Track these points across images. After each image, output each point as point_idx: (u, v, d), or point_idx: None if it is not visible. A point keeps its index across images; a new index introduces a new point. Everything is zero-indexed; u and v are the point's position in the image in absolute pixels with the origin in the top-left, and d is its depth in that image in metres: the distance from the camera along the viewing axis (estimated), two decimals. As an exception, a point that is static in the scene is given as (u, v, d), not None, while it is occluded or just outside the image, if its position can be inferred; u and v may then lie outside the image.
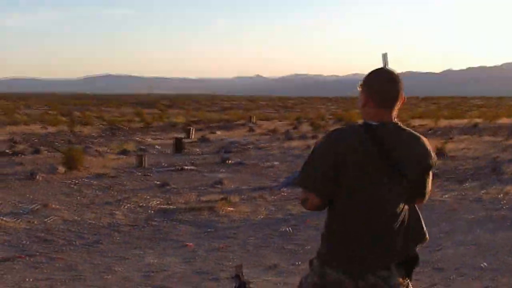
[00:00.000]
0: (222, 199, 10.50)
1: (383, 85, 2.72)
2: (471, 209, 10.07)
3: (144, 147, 22.19)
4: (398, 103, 2.73)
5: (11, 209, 10.11)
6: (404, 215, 2.70)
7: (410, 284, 2.77)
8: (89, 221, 9.09)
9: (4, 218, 9.08)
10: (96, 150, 20.98)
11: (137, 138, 27.46)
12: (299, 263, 6.78)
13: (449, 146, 20.72)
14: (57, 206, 10.21)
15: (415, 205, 2.79)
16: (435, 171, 13.94)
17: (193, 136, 27.89)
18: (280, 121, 43.99)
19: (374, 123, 2.68)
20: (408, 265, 2.75)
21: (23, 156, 19.16)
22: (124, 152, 20.36)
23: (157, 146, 23.21)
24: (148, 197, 11.19)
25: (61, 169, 15.28)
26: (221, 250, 7.48)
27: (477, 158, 17.94)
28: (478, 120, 42.59)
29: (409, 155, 2.63)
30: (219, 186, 12.62)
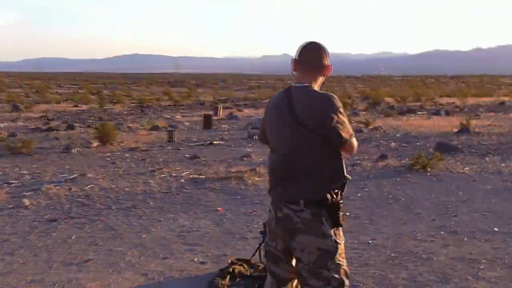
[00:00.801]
0: (249, 170, 10.97)
1: (302, 54, 3.34)
2: (489, 180, 10.41)
3: (173, 124, 22.77)
4: (317, 69, 3.34)
5: (51, 178, 10.74)
6: (315, 159, 3.20)
7: (334, 229, 3.21)
8: (125, 189, 9.65)
9: (46, 185, 9.72)
10: (128, 126, 21.63)
11: (166, 116, 28.07)
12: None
13: (475, 122, 20.94)
14: (94, 176, 10.81)
15: (340, 154, 3.27)
16: (458, 146, 14.32)
17: (221, 114, 28.43)
18: (307, 99, 44.28)
19: (295, 85, 3.32)
20: (330, 208, 3.21)
21: (57, 132, 19.88)
22: (155, 128, 20.97)
23: (186, 123, 23.77)
24: (179, 168, 11.73)
25: (95, 143, 15.93)
26: (249, 215, 7.96)
27: (501, 134, 18.15)
28: (505, 98, 42.45)
29: (309, 110, 3.18)
30: (246, 159, 13.10)
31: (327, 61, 3.35)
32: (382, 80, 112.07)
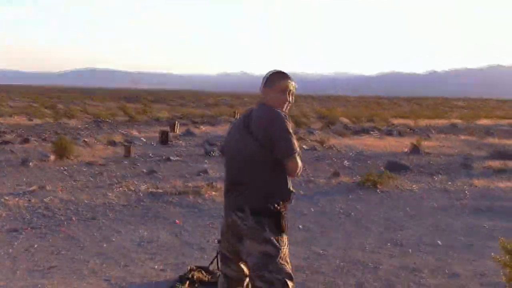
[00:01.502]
0: (206, 185, 11.26)
1: (266, 78, 3.81)
2: (436, 198, 10.94)
3: (130, 139, 22.85)
4: (268, 90, 3.75)
5: (10, 190, 10.82)
6: (263, 171, 3.57)
7: (276, 236, 3.56)
8: (84, 201, 9.83)
9: (6, 197, 9.83)
10: (84, 141, 21.63)
11: (122, 131, 28.09)
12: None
13: (426, 143, 21.64)
14: (53, 188, 10.94)
15: (285, 173, 3.62)
16: (408, 165, 14.87)
17: (177, 130, 28.57)
18: (264, 117, 44.60)
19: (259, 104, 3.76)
20: (273, 217, 3.57)
21: (12, 145, 19.78)
22: (112, 143, 21.04)
23: (142, 139, 23.87)
24: (137, 182, 11.93)
25: (52, 157, 15.95)
26: (207, 227, 8.26)
27: (450, 155, 18.84)
28: (457, 121, 43.69)
29: (260, 123, 3.57)
30: (203, 174, 13.37)
31: (284, 84, 3.75)
32: (338, 100, 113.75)
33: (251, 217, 3.53)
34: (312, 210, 9.55)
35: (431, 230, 8.33)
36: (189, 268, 5.76)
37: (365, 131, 29.52)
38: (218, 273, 5.49)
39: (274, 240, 3.53)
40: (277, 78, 3.76)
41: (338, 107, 69.40)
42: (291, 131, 3.54)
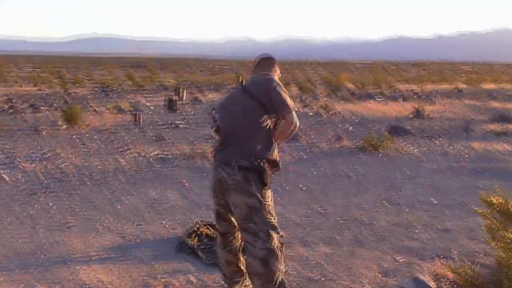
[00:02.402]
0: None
1: (258, 61, 4.38)
2: (435, 160, 11.33)
3: (138, 107, 23.21)
4: (259, 68, 4.32)
5: (24, 156, 11.27)
6: (253, 130, 4.00)
7: (260, 190, 3.96)
8: (97, 166, 10.29)
9: (21, 163, 10.29)
10: (93, 109, 22.04)
11: (130, 99, 28.44)
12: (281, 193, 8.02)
13: (429, 108, 21.92)
14: (66, 154, 11.39)
15: (272, 136, 4.07)
16: (410, 130, 15.23)
17: (184, 97, 28.88)
18: (270, 83, 44.77)
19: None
20: (258, 173, 3.96)
21: (24, 113, 20.21)
22: (120, 110, 21.41)
23: (150, 106, 24.23)
24: (146, 148, 12.36)
25: (63, 124, 16.37)
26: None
27: (453, 119, 19.14)
28: (462, 85, 43.71)
29: (256, 84, 4.10)
30: (210, 140, 13.76)
31: (274, 66, 4.34)
32: (343, 65, 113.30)
33: (238, 172, 3.92)
34: (314, 172, 9.97)
35: (427, 190, 8.75)
36: (196, 224, 6.21)
37: (370, 97, 29.73)
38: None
39: (259, 194, 3.93)
40: (266, 62, 4.34)
41: (343, 72, 69.27)
42: (285, 92, 4.01)
